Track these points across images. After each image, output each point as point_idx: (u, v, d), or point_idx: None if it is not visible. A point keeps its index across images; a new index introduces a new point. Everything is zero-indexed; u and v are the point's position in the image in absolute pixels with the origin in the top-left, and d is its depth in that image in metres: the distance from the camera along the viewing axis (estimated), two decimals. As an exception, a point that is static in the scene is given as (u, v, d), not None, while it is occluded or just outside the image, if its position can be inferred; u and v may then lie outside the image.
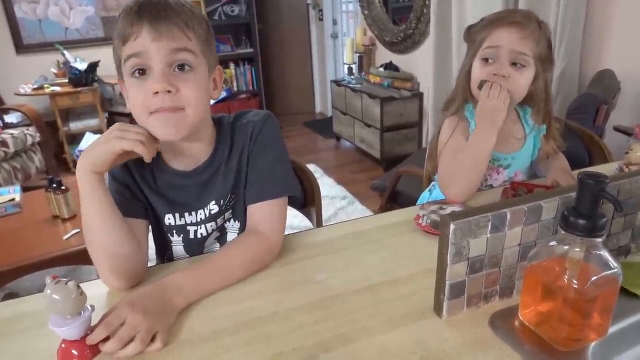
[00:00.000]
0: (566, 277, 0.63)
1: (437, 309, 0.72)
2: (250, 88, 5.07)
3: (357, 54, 4.32)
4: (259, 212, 0.90)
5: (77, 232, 1.96)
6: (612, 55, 2.25)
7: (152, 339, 0.68)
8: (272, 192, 0.91)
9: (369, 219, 1.09)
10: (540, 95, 1.18)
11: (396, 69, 3.87)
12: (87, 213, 0.80)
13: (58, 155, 4.07)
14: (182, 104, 0.80)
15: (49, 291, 0.62)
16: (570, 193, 0.72)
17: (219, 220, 0.97)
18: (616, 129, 2.05)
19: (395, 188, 2.28)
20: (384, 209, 2.30)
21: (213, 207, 0.94)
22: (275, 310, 0.75)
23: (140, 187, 0.92)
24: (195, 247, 0.98)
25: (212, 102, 0.92)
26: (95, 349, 0.66)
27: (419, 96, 3.66)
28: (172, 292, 0.75)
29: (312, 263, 0.89)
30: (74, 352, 0.65)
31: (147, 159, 0.81)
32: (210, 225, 0.96)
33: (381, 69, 3.93)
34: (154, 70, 0.78)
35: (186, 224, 0.96)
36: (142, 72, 0.79)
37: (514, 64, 1.10)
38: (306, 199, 1.28)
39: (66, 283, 0.63)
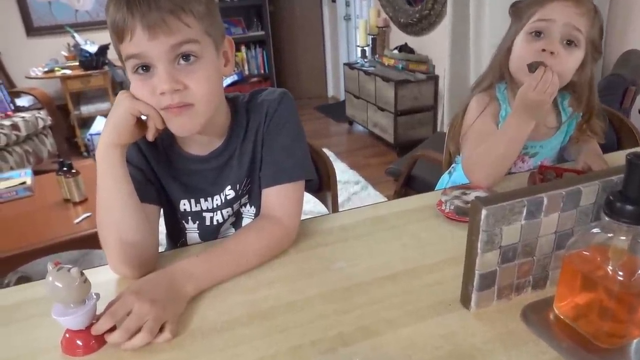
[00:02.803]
0: (610, 268, 0.58)
1: (465, 300, 0.67)
2: (262, 72, 5.00)
3: (371, 36, 4.22)
4: (274, 196, 0.86)
5: (89, 216, 1.94)
6: (638, 35, 2.16)
7: (161, 330, 0.64)
8: (289, 176, 0.86)
9: (387, 204, 1.04)
10: (584, 87, 1.09)
11: (411, 51, 3.77)
12: (104, 193, 0.76)
13: (70, 139, 4.08)
14: (191, 100, 0.75)
15: (50, 278, 0.59)
16: (611, 177, 0.66)
17: (235, 206, 0.93)
18: (643, 112, 1.97)
19: (411, 173, 2.23)
20: (399, 194, 2.25)
21: (229, 193, 0.90)
22: (292, 299, 0.71)
23: (155, 172, 0.88)
24: (211, 234, 0.94)
25: (225, 81, 0.87)
26: (101, 340, 0.63)
27: (435, 79, 3.56)
28: (181, 279, 0.71)
29: (329, 250, 0.84)
30: (79, 342, 0.62)
31: (152, 135, 0.77)
32: (227, 212, 0.92)
33: (395, 52, 3.83)
34: (157, 69, 0.73)
35: (202, 210, 0.92)
36: (145, 68, 0.74)
37: (566, 42, 1.01)
38: (321, 183, 1.23)
39: (69, 270, 0.59)
